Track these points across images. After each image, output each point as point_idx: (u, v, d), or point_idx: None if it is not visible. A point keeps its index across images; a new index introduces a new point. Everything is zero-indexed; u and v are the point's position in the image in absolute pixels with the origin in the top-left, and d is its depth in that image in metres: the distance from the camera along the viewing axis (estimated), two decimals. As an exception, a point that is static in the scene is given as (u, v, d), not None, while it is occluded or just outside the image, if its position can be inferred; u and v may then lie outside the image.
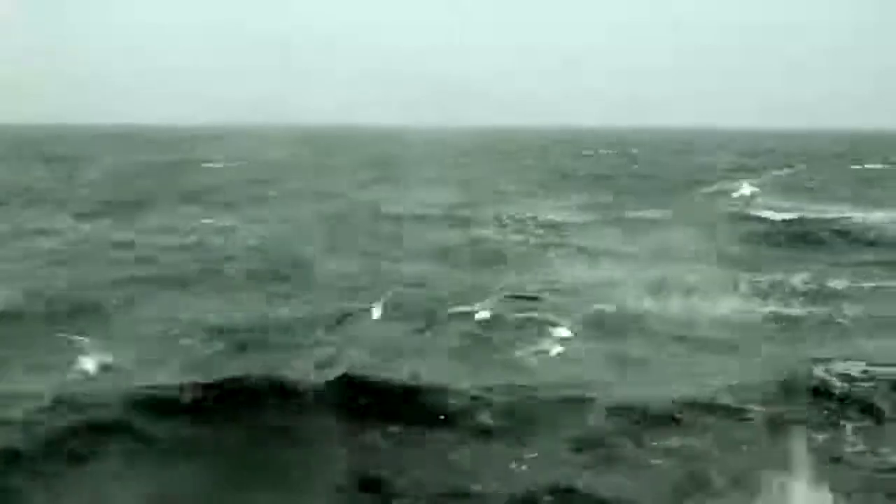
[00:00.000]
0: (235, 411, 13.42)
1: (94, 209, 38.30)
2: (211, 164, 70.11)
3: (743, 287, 23.47)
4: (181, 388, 13.87)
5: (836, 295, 23.01)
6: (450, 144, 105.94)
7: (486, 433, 12.98)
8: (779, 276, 24.83)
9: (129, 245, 28.91)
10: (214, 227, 33.08)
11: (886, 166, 72.80)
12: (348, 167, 64.89)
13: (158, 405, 13.35)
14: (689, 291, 22.25)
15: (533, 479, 11.52)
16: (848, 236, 32.27)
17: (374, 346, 16.87)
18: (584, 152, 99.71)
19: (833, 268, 26.42)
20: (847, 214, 37.13)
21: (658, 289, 22.69)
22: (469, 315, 19.26)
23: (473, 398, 13.90)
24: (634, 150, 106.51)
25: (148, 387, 14.00)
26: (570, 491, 11.23)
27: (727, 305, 21.28)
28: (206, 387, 13.88)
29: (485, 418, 13.39)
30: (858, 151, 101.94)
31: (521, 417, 13.44)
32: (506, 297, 20.94)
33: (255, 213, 36.93)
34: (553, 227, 34.12)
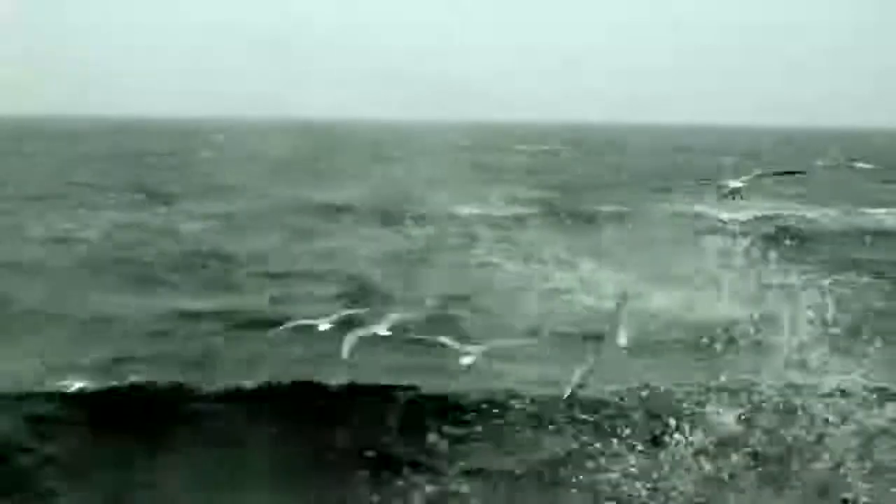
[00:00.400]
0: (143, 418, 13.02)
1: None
2: (177, 156, 70.11)
3: (680, 285, 23.35)
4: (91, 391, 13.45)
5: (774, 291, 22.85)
6: (440, 140, 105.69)
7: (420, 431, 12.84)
8: (718, 274, 24.61)
9: (60, 239, 28.72)
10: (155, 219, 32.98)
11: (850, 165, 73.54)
12: (323, 161, 64.73)
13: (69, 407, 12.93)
14: (624, 290, 22.05)
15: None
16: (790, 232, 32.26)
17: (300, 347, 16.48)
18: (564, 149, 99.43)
19: (777, 265, 26.21)
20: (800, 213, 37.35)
21: (593, 288, 22.56)
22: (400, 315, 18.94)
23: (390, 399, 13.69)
24: (623, 146, 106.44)
25: (55, 390, 13.49)
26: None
27: (660, 305, 21.11)
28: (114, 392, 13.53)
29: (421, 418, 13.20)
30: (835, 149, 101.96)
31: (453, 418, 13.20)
32: (438, 296, 20.60)
33: (198, 207, 36.70)
34: (499, 225, 33.93)
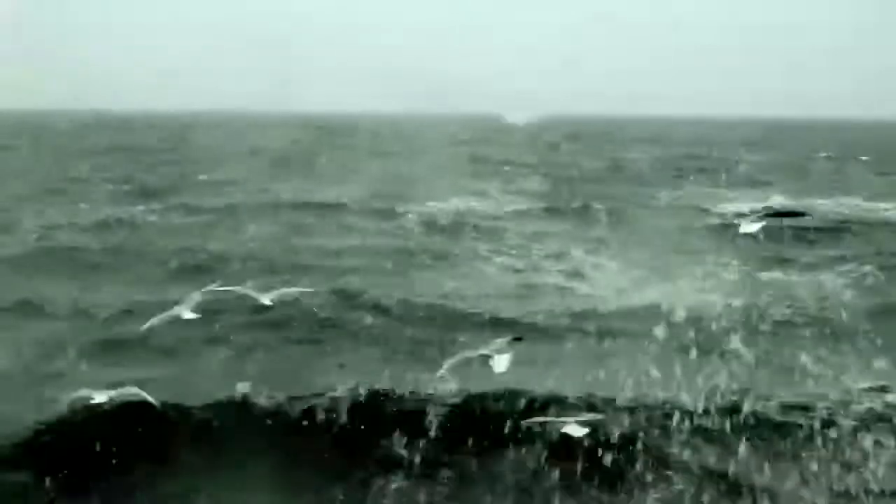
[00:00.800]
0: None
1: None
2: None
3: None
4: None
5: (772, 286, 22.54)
6: (439, 133, 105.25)
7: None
8: (717, 268, 24.37)
9: (55, 233, 28.47)
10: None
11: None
12: (323, 156, 64.47)
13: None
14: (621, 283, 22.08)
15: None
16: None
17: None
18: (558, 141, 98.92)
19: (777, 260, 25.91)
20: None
21: (590, 282, 22.42)
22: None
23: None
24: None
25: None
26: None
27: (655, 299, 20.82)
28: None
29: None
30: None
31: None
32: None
33: (196, 201, 36.50)
34: (497, 218, 33.74)
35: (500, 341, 9.05)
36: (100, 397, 10.28)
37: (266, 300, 10.73)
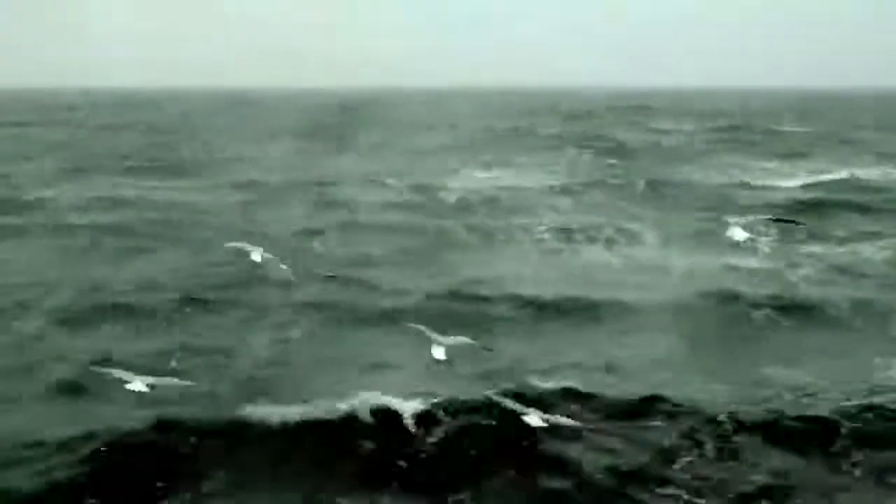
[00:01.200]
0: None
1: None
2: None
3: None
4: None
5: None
6: (472, 106, 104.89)
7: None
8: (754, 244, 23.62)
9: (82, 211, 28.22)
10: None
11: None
12: (351, 130, 63.92)
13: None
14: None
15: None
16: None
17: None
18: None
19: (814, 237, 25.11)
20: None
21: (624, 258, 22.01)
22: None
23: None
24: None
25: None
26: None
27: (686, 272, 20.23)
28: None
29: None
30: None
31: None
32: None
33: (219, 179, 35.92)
34: (530, 190, 33.10)
35: (452, 340, 10.01)
36: (136, 384, 9.87)
37: (256, 257, 11.34)
